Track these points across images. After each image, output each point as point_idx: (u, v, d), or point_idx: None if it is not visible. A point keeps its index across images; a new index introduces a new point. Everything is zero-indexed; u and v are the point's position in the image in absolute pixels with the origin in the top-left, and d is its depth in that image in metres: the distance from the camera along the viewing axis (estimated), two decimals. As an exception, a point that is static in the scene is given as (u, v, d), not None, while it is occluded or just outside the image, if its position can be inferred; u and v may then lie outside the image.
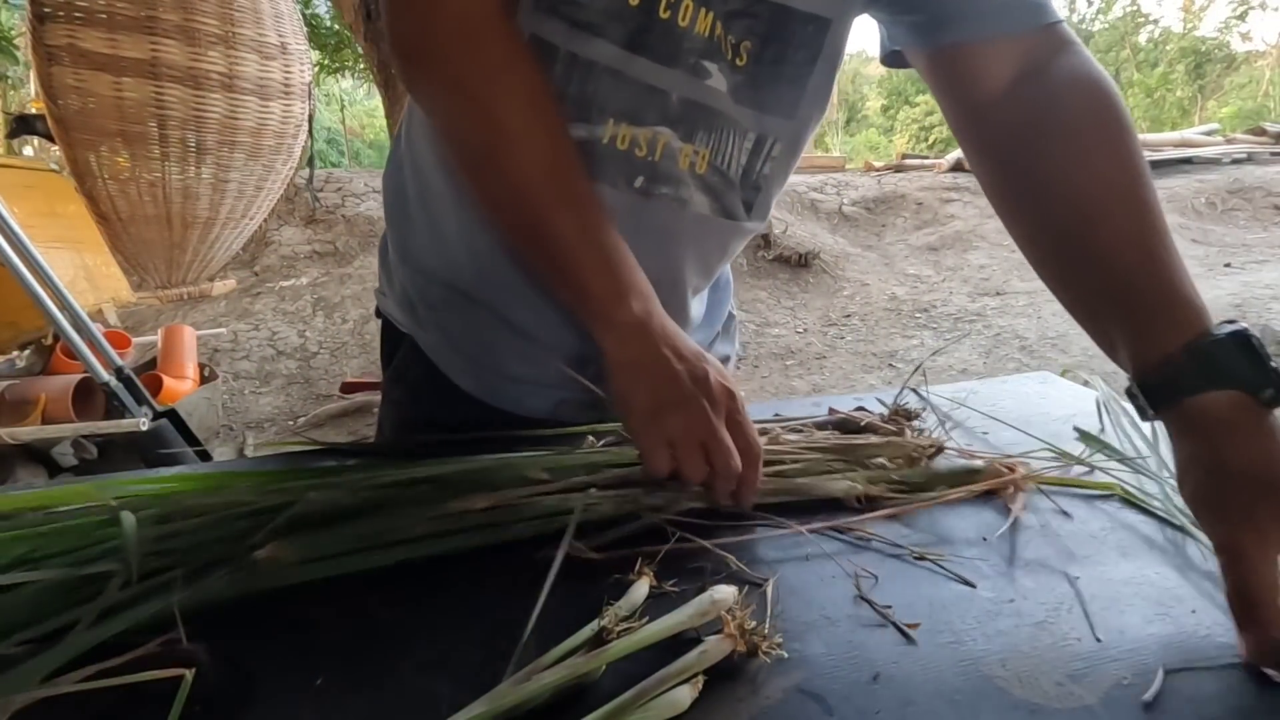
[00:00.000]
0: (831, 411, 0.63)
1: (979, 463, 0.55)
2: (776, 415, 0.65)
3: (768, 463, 0.52)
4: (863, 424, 0.60)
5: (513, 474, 0.49)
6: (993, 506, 0.51)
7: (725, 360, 0.77)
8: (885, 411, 0.62)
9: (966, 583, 0.41)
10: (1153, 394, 0.42)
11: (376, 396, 2.68)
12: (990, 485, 0.52)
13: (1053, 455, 0.58)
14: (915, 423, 0.61)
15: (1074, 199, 0.47)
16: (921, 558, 0.44)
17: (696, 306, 0.69)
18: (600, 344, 0.51)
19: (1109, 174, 0.47)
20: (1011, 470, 0.53)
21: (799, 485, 0.52)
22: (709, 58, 0.53)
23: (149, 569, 0.39)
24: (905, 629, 0.37)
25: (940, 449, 0.57)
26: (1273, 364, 0.38)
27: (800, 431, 0.60)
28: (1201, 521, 0.40)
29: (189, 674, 0.30)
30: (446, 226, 0.62)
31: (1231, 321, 0.40)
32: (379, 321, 0.74)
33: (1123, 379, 0.45)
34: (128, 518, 0.40)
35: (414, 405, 0.68)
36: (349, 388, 3.08)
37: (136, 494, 0.46)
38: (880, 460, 0.55)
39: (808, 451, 0.55)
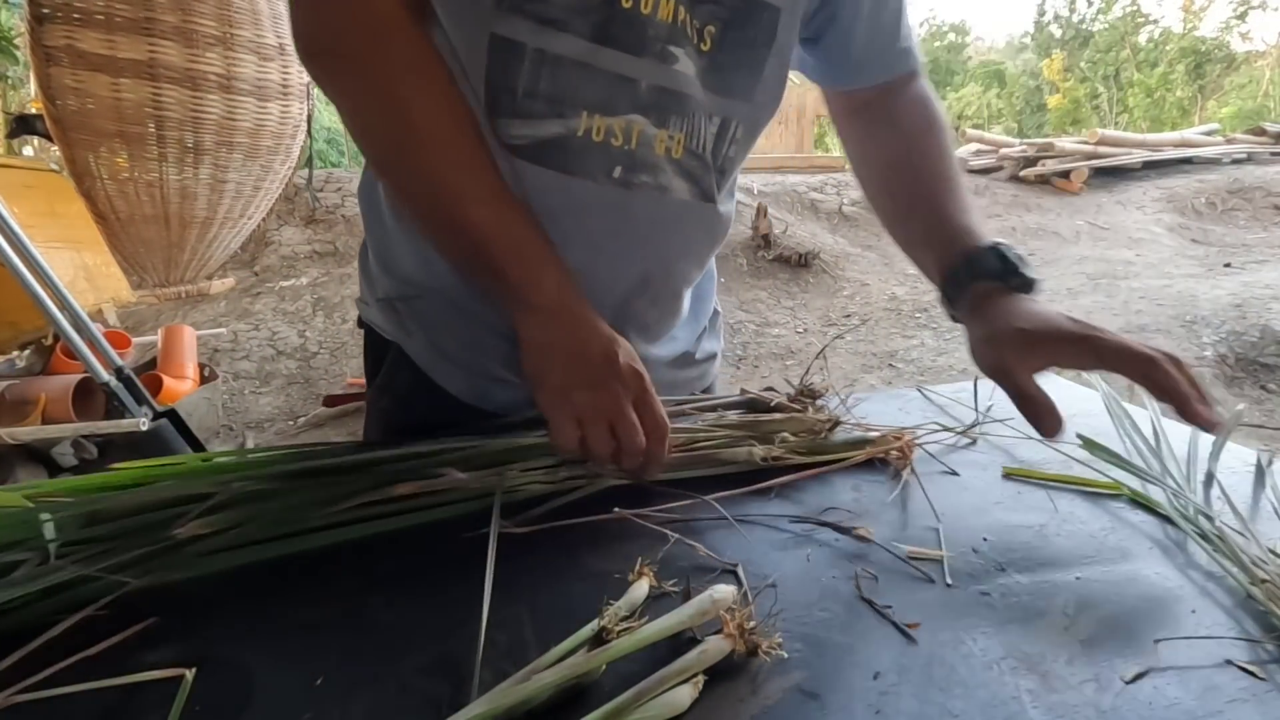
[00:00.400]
0: (742, 392, 0.66)
1: (873, 434, 0.60)
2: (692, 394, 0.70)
3: (682, 441, 0.56)
4: (771, 404, 0.63)
5: (435, 461, 0.51)
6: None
7: (712, 358, 0.78)
8: (791, 392, 0.66)
9: (924, 577, 0.41)
10: (947, 295, 0.60)
11: (361, 405, 2.68)
12: (876, 452, 0.57)
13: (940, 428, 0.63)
14: (819, 402, 0.65)
15: (906, 177, 0.67)
16: (915, 557, 0.44)
17: (687, 299, 0.71)
18: (517, 327, 0.54)
19: (923, 160, 0.66)
20: (899, 438, 0.58)
21: (706, 456, 0.55)
22: (674, 43, 0.54)
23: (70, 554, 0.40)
24: (905, 629, 0.37)
25: (836, 423, 0.61)
26: (1021, 265, 0.56)
27: (713, 411, 0.64)
28: (984, 368, 0.55)
29: (189, 674, 0.30)
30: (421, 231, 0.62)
31: (998, 240, 0.58)
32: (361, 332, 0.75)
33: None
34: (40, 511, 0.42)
35: (403, 413, 0.68)
36: (332, 401, 3.05)
37: (53, 492, 0.47)
38: (784, 434, 0.58)
39: (717, 428, 0.59)
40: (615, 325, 0.57)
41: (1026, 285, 0.56)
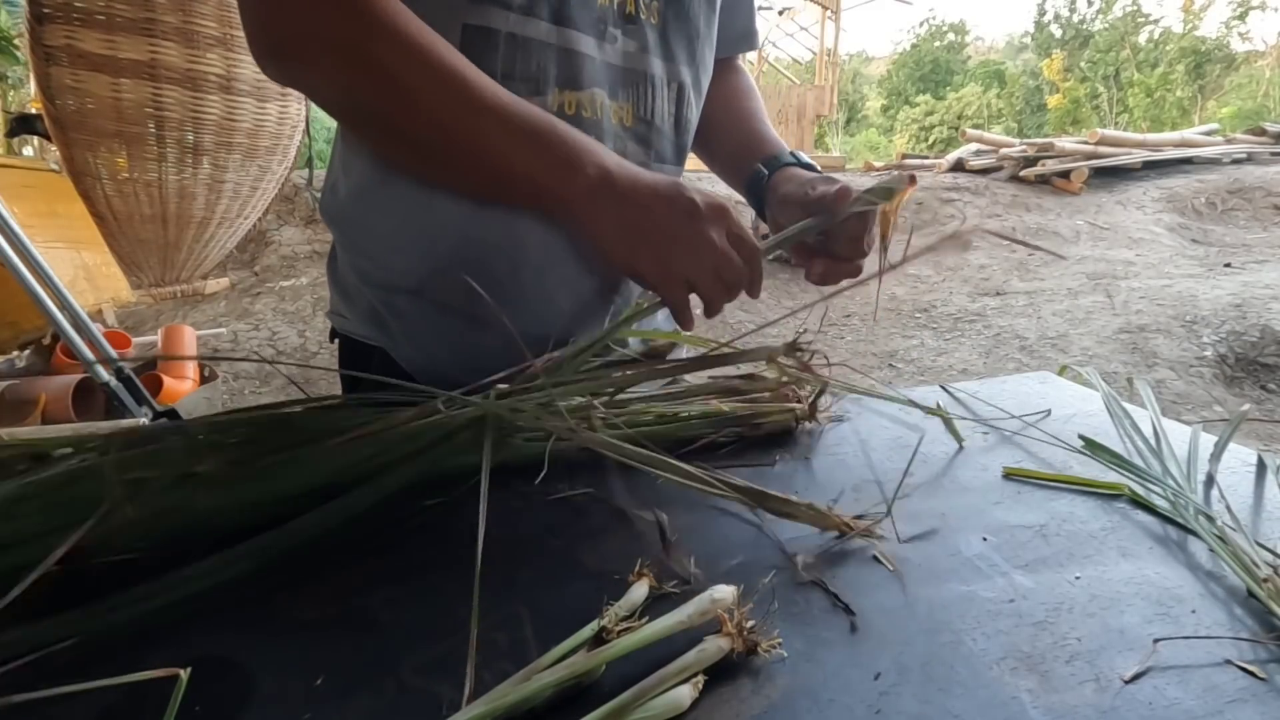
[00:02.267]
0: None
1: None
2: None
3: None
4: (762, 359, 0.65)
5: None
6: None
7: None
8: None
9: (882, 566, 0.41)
10: (753, 190, 0.71)
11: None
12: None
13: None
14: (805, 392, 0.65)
15: (725, 121, 0.78)
16: (913, 553, 0.44)
17: None
18: (573, 228, 0.55)
19: (737, 109, 0.78)
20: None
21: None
22: (614, 24, 0.60)
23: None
24: (847, 606, 0.38)
25: (823, 389, 0.61)
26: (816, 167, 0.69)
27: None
28: (786, 223, 0.63)
29: (184, 673, 0.30)
30: (397, 239, 0.63)
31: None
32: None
33: (1122, 379, 0.46)
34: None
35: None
36: None
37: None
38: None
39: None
40: (607, 289, 0.65)
41: (812, 168, 0.69)
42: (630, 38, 0.62)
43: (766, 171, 0.70)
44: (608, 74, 0.61)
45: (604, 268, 0.56)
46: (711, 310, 0.52)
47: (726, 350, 0.52)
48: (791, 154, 0.72)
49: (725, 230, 0.51)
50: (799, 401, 0.61)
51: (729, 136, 0.78)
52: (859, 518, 0.46)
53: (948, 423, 0.64)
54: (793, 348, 0.51)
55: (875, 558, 0.44)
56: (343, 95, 0.54)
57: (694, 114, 0.70)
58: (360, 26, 0.50)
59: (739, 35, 0.79)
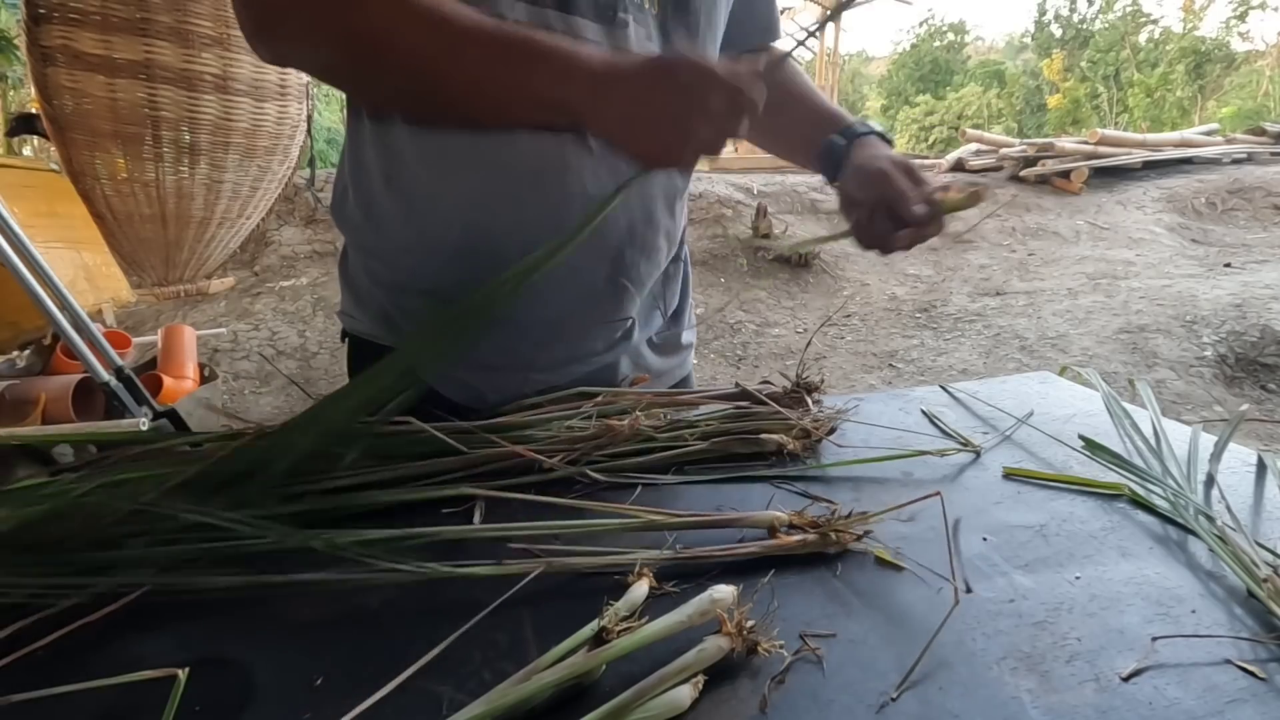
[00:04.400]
0: (736, 385, 0.67)
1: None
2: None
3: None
4: (763, 395, 0.64)
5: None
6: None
7: (689, 346, 0.84)
8: (789, 385, 0.67)
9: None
10: (828, 159, 0.74)
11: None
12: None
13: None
14: (815, 396, 0.66)
15: (785, 100, 0.78)
16: (890, 560, 0.44)
17: (664, 248, 0.74)
18: (592, 124, 0.54)
19: (803, 94, 0.81)
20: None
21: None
22: (625, 10, 0.61)
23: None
24: (814, 649, 0.36)
25: (833, 429, 0.61)
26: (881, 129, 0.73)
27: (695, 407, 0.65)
28: (860, 192, 0.66)
29: (182, 674, 0.30)
30: (405, 239, 0.64)
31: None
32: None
33: (1122, 380, 0.46)
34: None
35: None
36: None
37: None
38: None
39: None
40: (613, 276, 0.66)
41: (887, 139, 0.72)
42: (637, 24, 0.62)
43: (844, 141, 0.72)
44: None
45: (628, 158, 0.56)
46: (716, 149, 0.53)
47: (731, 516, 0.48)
48: (864, 122, 0.74)
49: (722, 85, 0.51)
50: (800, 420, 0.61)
51: (794, 111, 0.79)
52: (860, 516, 0.46)
53: (950, 433, 0.64)
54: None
55: (875, 558, 0.44)
56: (331, 59, 0.55)
57: None
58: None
59: (762, 27, 0.80)
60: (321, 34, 0.53)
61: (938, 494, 0.46)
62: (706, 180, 5.70)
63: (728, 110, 0.51)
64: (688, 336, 0.84)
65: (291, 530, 0.42)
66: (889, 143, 0.72)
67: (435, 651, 0.36)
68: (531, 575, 0.39)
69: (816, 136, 0.75)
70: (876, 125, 0.73)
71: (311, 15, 0.52)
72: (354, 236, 0.70)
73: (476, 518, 0.48)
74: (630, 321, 0.73)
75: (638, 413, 0.57)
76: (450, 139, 0.60)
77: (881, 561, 0.44)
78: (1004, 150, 6.85)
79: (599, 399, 0.61)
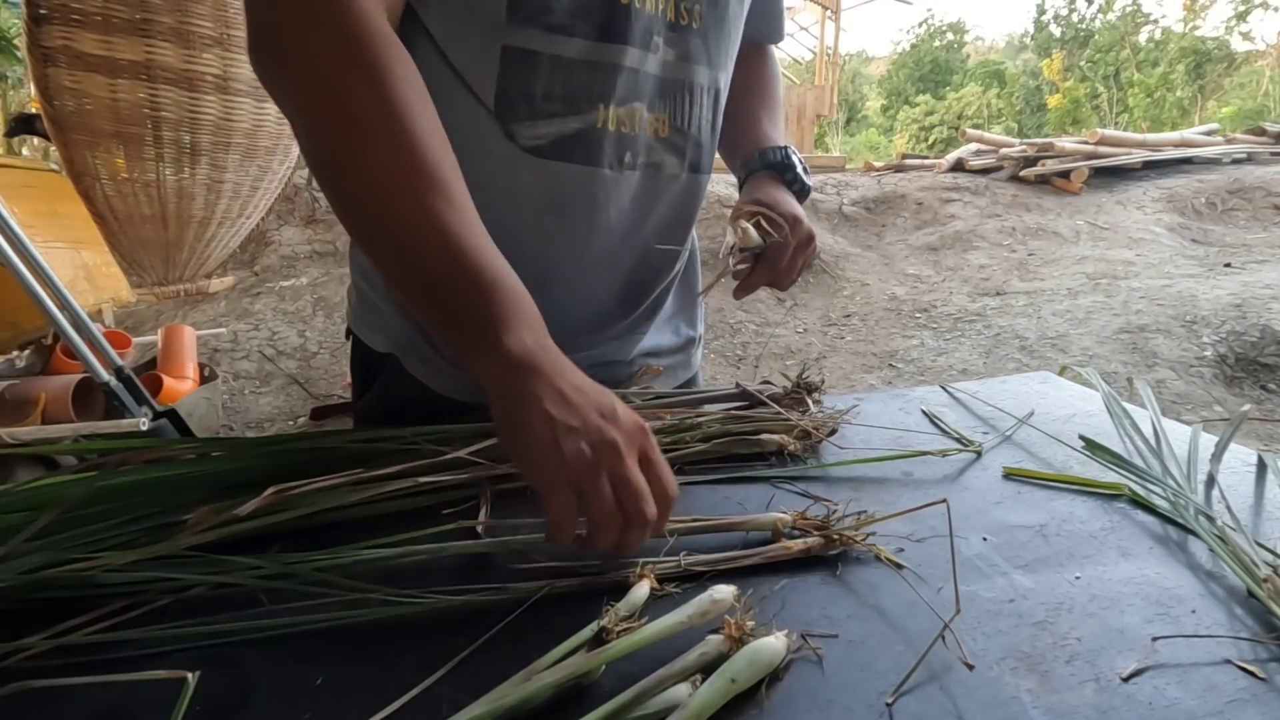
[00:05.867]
0: (737, 385, 0.67)
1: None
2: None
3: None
4: (765, 396, 0.65)
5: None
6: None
7: (691, 343, 0.81)
8: (789, 386, 0.67)
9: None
10: (741, 180, 0.72)
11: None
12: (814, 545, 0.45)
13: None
14: (815, 396, 0.66)
15: (738, 106, 0.74)
16: (896, 556, 0.44)
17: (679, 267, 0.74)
18: (482, 378, 0.43)
19: (755, 94, 0.77)
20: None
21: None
22: (658, 31, 0.59)
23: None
24: (815, 649, 0.36)
25: (834, 430, 0.61)
26: (798, 167, 0.71)
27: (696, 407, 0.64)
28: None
29: (191, 676, 0.30)
30: None
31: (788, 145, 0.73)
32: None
33: (1122, 380, 0.47)
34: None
35: (397, 421, 0.68)
36: (320, 413, 3.04)
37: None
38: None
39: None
40: (627, 300, 0.66)
41: (797, 181, 0.71)
42: (671, 46, 0.60)
43: (757, 163, 0.72)
44: (649, 85, 0.60)
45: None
46: (596, 542, 0.39)
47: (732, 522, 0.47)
48: (785, 147, 0.72)
49: (640, 450, 0.41)
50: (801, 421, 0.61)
51: (731, 123, 0.74)
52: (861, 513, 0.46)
53: (950, 433, 0.64)
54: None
55: (876, 558, 0.44)
56: (298, 114, 0.48)
57: (721, 119, 0.69)
58: (339, 51, 0.45)
59: (767, 24, 0.78)
60: (295, 95, 0.47)
61: (944, 500, 0.46)
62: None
63: (636, 479, 0.39)
64: (699, 330, 0.83)
65: (288, 567, 0.42)
66: (784, 178, 0.70)
67: (435, 651, 0.36)
68: (535, 597, 0.39)
69: (743, 154, 0.74)
70: (785, 155, 0.71)
71: (298, 63, 0.46)
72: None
73: (482, 514, 0.48)
74: (641, 330, 0.72)
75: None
76: (479, 164, 0.54)
77: (881, 560, 0.44)
78: (1004, 150, 6.85)
79: None
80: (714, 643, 0.34)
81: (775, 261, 0.64)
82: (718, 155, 0.75)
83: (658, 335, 0.76)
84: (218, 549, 0.42)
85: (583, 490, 0.39)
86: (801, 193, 0.70)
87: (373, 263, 0.53)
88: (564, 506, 0.39)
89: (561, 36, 0.54)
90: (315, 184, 4.96)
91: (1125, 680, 0.34)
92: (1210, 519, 0.47)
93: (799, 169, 0.71)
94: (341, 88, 0.45)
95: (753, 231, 0.63)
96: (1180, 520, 0.48)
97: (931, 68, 30.02)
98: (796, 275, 0.67)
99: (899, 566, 0.43)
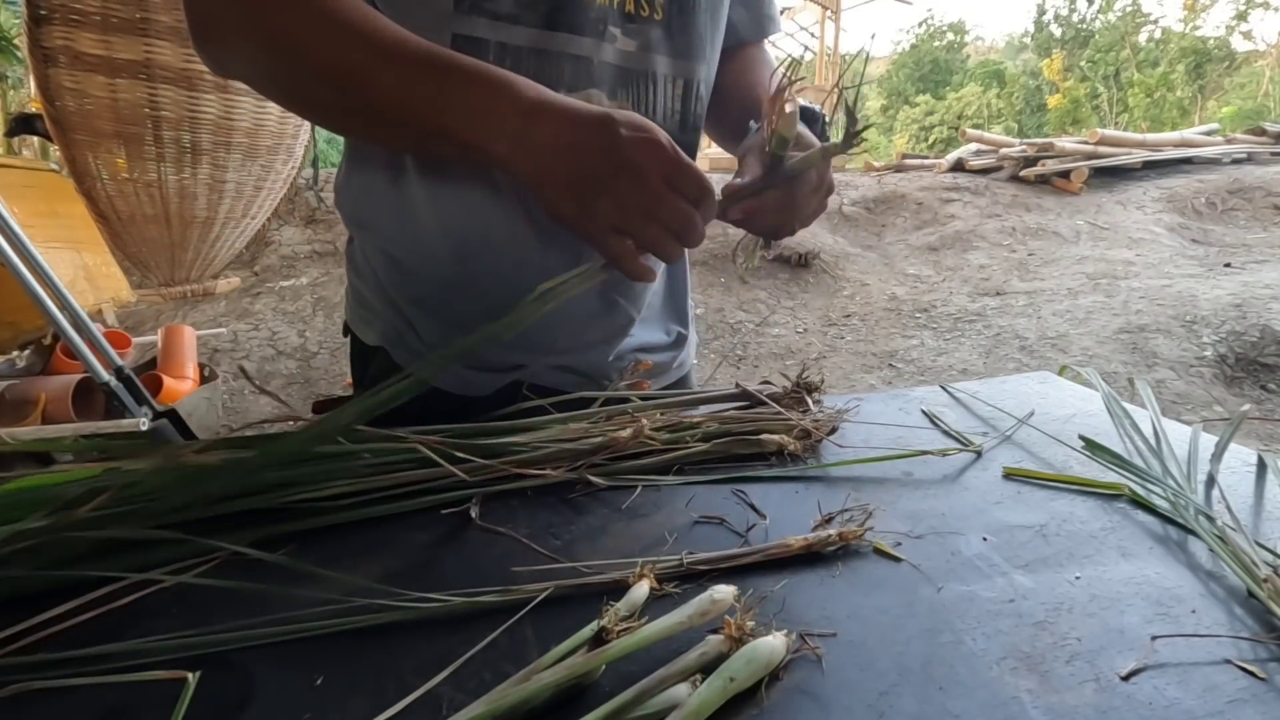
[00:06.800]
0: (737, 386, 0.66)
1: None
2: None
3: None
4: (765, 395, 0.64)
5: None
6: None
7: (682, 340, 0.82)
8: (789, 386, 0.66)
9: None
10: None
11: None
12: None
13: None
14: (815, 396, 0.65)
15: (732, 94, 0.73)
16: (899, 549, 0.44)
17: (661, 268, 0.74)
18: (510, 164, 0.48)
19: (745, 81, 0.74)
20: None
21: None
22: (613, 23, 0.60)
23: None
24: (814, 649, 0.36)
25: (834, 429, 0.61)
26: (824, 117, 0.65)
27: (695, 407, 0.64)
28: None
29: (192, 676, 0.30)
30: (403, 240, 0.64)
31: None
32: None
33: (1122, 380, 0.47)
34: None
35: (394, 415, 0.69)
36: (320, 407, 3.05)
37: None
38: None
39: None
40: (609, 294, 0.65)
41: (824, 136, 0.64)
42: (631, 36, 0.61)
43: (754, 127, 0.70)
44: (606, 74, 0.61)
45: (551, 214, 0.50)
46: (664, 256, 0.46)
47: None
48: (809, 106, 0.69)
49: (659, 164, 0.45)
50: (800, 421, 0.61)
51: (734, 107, 0.74)
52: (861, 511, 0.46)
53: (951, 434, 0.64)
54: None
55: (875, 550, 0.44)
56: (258, 69, 0.54)
57: (703, 110, 0.69)
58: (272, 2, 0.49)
59: (758, 20, 0.77)
60: (245, 42, 0.52)
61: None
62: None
63: (669, 189, 0.44)
64: (687, 332, 0.83)
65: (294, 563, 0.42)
66: (814, 128, 0.66)
67: (435, 652, 0.36)
68: (539, 599, 0.39)
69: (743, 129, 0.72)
70: (813, 110, 0.67)
71: (235, 20, 0.51)
72: (358, 235, 0.71)
73: (474, 513, 0.48)
74: (628, 330, 0.73)
75: (642, 420, 0.57)
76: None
77: (881, 557, 0.44)
78: (1004, 150, 6.85)
79: (599, 403, 0.61)
80: (714, 642, 0.34)
81: (793, 191, 0.57)
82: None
83: (647, 333, 0.76)
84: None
85: (622, 228, 0.45)
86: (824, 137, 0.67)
87: (388, 139, 0.58)
88: (614, 248, 0.46)
89: (506, 24, 0.56)
90: (315, 184, 4.97)
91: (1125, 680, 0.34)
92: (1210, 519, 0.47)
93: (825, 122, 0.66)
94: (276, 27, 0.50)
95: (798, 119, 0.54)
96: (1180, 520, 0.48)
97: (931, 68, 30.02)
98: (807, 220, 0.60)
99: (897, 560, 0.43)
